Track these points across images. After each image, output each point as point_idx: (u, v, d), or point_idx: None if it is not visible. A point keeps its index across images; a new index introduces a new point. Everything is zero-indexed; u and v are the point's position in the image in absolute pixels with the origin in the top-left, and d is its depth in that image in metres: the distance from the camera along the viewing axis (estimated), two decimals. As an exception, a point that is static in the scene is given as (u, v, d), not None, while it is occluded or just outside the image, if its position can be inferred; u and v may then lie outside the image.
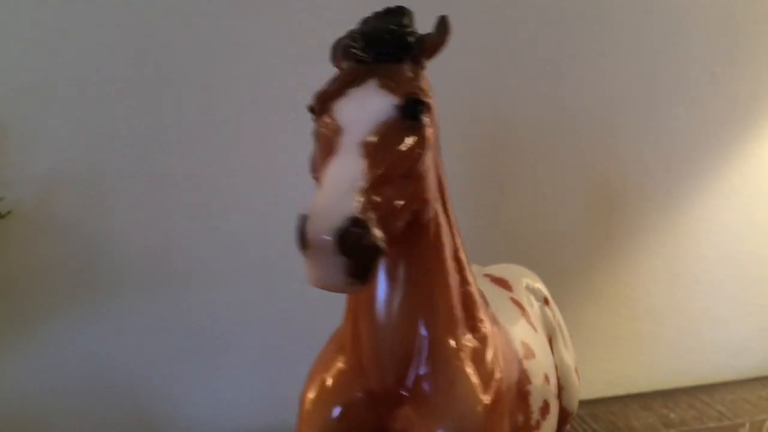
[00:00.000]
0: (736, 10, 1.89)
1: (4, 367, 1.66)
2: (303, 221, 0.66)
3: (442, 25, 0.85)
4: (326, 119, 0.78)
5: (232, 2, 1.66)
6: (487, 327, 0.95)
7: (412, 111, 0.77)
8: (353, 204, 0.66)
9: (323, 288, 0.68)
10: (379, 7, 0.86)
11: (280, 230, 1.74)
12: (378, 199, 0.69)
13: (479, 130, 1.79)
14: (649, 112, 1.89)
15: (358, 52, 0.81)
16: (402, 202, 0.74)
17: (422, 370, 0.87)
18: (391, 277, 0.85)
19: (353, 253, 0.65)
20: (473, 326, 0.93)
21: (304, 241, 0.66)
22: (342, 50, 0.85)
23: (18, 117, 1.61)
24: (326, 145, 0.76)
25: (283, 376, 1.79)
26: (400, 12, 0.82)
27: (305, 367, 1.77)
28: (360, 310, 0.89)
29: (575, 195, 1.87)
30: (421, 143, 0.78)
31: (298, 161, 1.70)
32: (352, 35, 0.82)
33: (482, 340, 0.93)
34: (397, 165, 0.74)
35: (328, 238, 0.65)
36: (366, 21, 0.84)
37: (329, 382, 0.92)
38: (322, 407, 0.91)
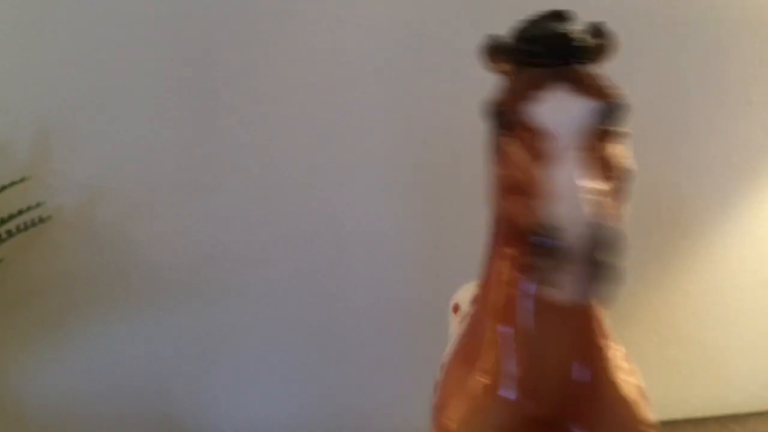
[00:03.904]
0: (773, 40, 1.89)
1: (40, 368, 1.69)
2: (554, 232, 0.64)
3: (605, 33, 0.82)
4: (524, 124, 0.74)
5: (280, 17, 1.68)
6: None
7: (616, 115, 0.76)
8: (602, 213, 0.65)
9: (575, 303, 0.67)
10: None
11: (317, 244, 1.76)
12: (605, 207, 0.68)
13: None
14: (683, 140, 1.89)
15: (543, 56, 0.77)
16: (616, 212, 0.71)
17: (582, 391, 0.83)
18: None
19: (608, 262, 0.64)
20: (612, 340, 0.88)
21: (555, 250, 0.64)
22: (517, 53, 0.80)
23: (61, 124, 1.65)
24: (529, 151, 0.72)
25: (314, 392, 1.80)
26: (569, 15, 0.79)
27: (337, 384, 1.79)
28: (515, 335, 0.83)
29: (608, 218, 1.87)
30: (625, 150, 0.76)
31: (339, 176, 1.74)
32: (527, 37, 0.78)
33: (624, 355, 0.90)
34: (612, 172, 0.72)
35: (580, 244, 0.64)
36: (536, 23, 0.79)
37: (483, 414, 0.87)
38: None
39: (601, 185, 0.69)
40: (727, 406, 1.96)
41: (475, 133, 1.71)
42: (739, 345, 1.98)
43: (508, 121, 0.76)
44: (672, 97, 1.87)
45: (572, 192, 0.66)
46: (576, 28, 0.79)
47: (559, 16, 0.79)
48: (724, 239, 1.95)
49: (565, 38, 0.77)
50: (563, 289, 0.66)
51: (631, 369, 0.91)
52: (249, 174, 1.72)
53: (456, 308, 1.33)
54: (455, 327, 1.29)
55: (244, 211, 1.72)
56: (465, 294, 1.35)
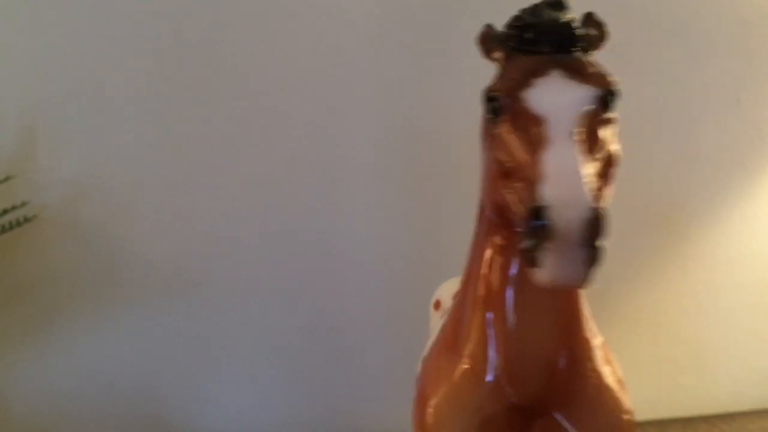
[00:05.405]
0: (762, 37, 1.89)
1: (25, 367, 1.68)
2: (544, 211, 0.63)
3: (599, 22, 0.83)
4: (518, 109, 0.75)
5: (252, 15, 1.67)
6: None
7: (609, 102, 0.77)
8: (592, 193, 0.65)
9: (561, 285, 0.66)
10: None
11: (308, 244, 1.75)
12: (598, 191, 0.68)
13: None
14: (672, 138, 1.89)
15: (537, 43, 0.78)
16: (605, 195, 0.72)
17: (565, 378, 0.84)
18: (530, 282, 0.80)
19: (596, 243, 0.63)
20: (593, 328, 0.89)
21: (550, 231, 0.63)
22: (512, 41, 0.81)
23: (46, 123, 1.63)
24: (523, 135, 0.73)
25: (304, 392, 1.79)
26: (565, 4, 0.80)
27: (322, 379, 1.78)
28: (500, 321, 0.84)
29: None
30: (614, 135, 0.77)
31: (320, 172, 1.73)
32: (523, 26, 0.79)
33: (604, 344, 0.90)
34: (602, 156, 0.73)
35: (579, 227, 0.63)
36: (533, 12, 0.80)
37: (466, 399, 0.88)
38: (460, 425, 0.87)
39: (593, 169, 0.69)
40: (715, 405, 1.96)
41: (465, 131, 1.71)
42: (727, 344, 1.99)
43: (500, 106, 0.76)
44: (661, 96, 1.87)
45: (568, 175, 0.66)
46: (571, 17, 0.80)
47: (554, 4, 0.80)
48: (713, 238, 1.95)
49: (561, 26, 0.78)
50: (556, 272, 0.65)
51: (611, 358, 0.91)
52: (237, 172, 1.70)
53: (437, 305, 1.33)
54: (436, 323, 1.28)
55: (232, 209, 1.71)
56: (446, 290, 1.33)
